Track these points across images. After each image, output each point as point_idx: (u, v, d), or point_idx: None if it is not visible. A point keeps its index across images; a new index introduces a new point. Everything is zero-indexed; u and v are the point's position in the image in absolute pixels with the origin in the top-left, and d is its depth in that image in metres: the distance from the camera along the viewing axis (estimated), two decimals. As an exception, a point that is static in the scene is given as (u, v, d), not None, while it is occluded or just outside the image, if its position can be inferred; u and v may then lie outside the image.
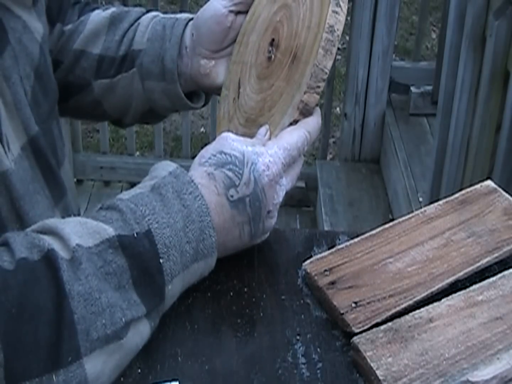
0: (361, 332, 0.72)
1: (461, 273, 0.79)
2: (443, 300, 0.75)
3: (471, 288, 0.77)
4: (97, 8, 1.08)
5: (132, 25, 1.04)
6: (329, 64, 0.82)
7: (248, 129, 0.90)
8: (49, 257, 0.67)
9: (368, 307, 0.75)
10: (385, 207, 2.89)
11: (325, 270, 0.80)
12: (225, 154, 0.79)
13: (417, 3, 4.35)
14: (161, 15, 1.05)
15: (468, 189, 0.90)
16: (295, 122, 0.84)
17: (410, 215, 0.86)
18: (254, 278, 0.82)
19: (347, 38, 3.05)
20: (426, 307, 0.75)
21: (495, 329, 0.72)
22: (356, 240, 0.84)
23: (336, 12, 0.82)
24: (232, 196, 0.78)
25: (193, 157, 0.82)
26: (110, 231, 0.71)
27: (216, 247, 0.77)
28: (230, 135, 0.82)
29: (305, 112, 0.84)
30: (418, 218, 0.86)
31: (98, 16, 1.06)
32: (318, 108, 0.86)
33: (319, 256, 0.82)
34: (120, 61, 1.03)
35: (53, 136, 0.92)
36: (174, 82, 1.00)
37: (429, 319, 0.73)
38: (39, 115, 0.88)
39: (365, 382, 0.70)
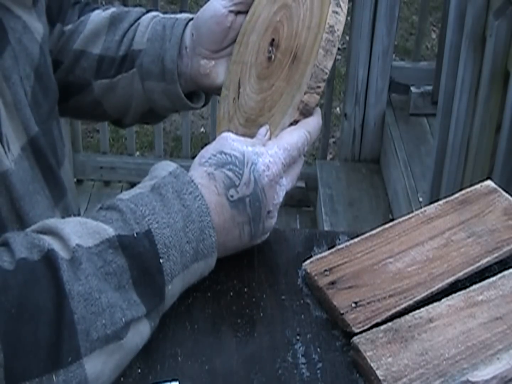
0: (361, 332, 0.72)
1: (461, 273, 0.79)
2: (443, 300, 0.75)
3: (471, 288, 0.77)
4: (97, 8, 1.08)
5: (132, 25, 1.04)
6: (330, 64, 0.82)
7: (248, 129, 0.90)
8: (49, 257, 0.67)
9: (368, 307, 0.75)
10: (385, 207, 2.89)
11: (325, 270, 0.80)
12: (225, 154, 0.79)
13: (417, 3, 4.35)
14: (161, 15, 1.05)
15: (468, 189, 0.90)
16: (295, 122, 0.84)
17: (410, 215, 0.86)
18: (254, 278, 0.82)
19: (347, 38, 3.05)
20: (426, 307, 0.75)
21: (495, 329, 0.72)
22: (356, 240, 0.84)
23: (336, 12, 0.82)
24: (232, 196, 0.78)
25: (193, 157, 0.82)
26: (110, 231, 0.71)
27: (216, 247, 0.77)
28: (230, 135, 0.82)
29: (306, 112, 0.84)
30: (418, 218, 0.86)
31: (98, 16, 1.06)
32: (318, 108, 0.86)
33: (319, 256, 0.82)
34: (120, 61, 1.03)
35: (53, 136, 0.92)
36: (174, 82, 1.00)
37: (429, 319, 0.73)
38: (39, 115, 0.88)
39: (365, 382, 0.70)
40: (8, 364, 0.62)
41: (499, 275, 0.79)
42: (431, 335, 0.71)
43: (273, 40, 0.90)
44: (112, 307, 0.68)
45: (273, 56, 0.90)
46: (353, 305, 0.76)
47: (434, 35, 4.24)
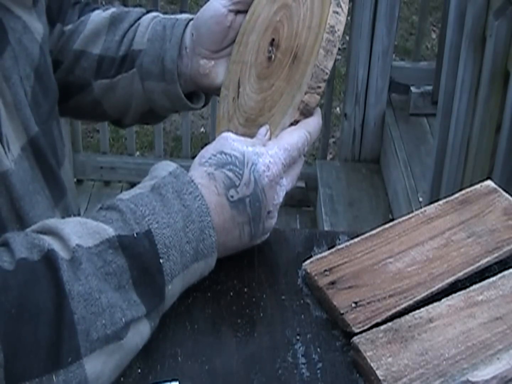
0: (361, 332, 0.72)
1: (461, 273, 0.79)
2: (443, 300, 0.75)
3: (471, 288, 0.77)
4: (97, 8, 1.08)
5: (132, 25, 1.04)
6: (330, 64, 0.82)
7: (248, 129, 0.90)
8: (49, 258, 0.67)
9: (368, 307, 0.75)
10: (385, 207, 2.89)
11: (325, 270, 0.80)
12: (226, 154, 0.79)
13: (417, 3, 4.35)
14: (161, 15, 1.05)
15: (468, 189, 0.90)
16: (295, 122, 0.84)
17: (410, 215, 0.86)
18: (254, 278, 0.82)
19: (347, 38, 3.05)
20: (426, 307, 0.75)
21: (495, 329, 0.72)
22: (356, 240, 0.84)
23: (337, 13, 0.82)
24: (232, 197, 0.78)
25: (193, 157, 0.82)
26: (110, 231, 0.71)
27: (216, 247, 0.77)
28: (231, 135, 0.82)
29: (306, 113, 0.84)
30: (418, 218, 0.86)
31: (98, 16, 1.06)
32: (318, 109, 0.86)
33: (319, 256, 0.82)
34: (120, 61, 1.03)
35: (53, 137, 0.92)
36: (174, 83, 1.00)
37: (429, 319, 0.73)
38: (39, 115, 0.88)
39: (365, 382, 0.70)
40: (8, 364, 0.62)
41: (499, 275, 0.79)
42: (431, 335, 0.71)
43: (273, 40, 0.90)
44: (112, 307, 0.68)
45: (273, 56, 0.90)
46: (353, 305, 0.76)
47: (434, 35, 4.24)
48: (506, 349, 0.70)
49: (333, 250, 0.83)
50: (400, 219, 0.86)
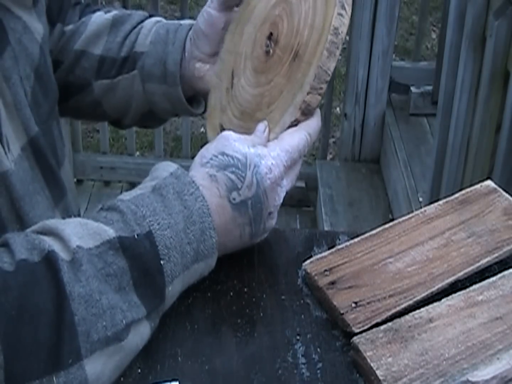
0: (361, 332, 0.73)
1: (461, 273, 0.79)
2: (443, 300, 0.76)
3: (471, 288, 0.77)
4: (98, 10, 1.08)
5: (134, 27, 1.04)
6: (333, 66, 0.82)
7: (244, 122, 0.89)
8: (49, 259, 0.67)
9: (368, 307, 0.75)
10: (385, 207, 2.89)
11: (325, 270, 0.80)
12: (227, 156, 0.79)
13: (417, 3, 4.35)
14: (164, 20, 1.05)
15: (468, 189, 0.90)
16: (295, 121, 0.84)
17: (410, 215, 0.86)
18: (254, 278, 0.82)
19: (347, 38, 3.05)
20: (426, 307, 0.75)
21: (495, 329, 0.72)
22: (356, 240, 0.84)
23: (341, 15, 0.82)
24: (234, 199, 0.77)
25: (193, 157, 0.82)
26: (110, 232, 0.71)
27: (216, 247, 0.77)
28: (232, 134, 0.82)
29: (307, 112, 0.84)
30: (418, 218, 0.86)
31: (100, 17, 1.06)
32: (318, 110, 0.86)
33: (319, 256, 0.82)
34: (121, 62, 1.03)
35: (53, 137, 0.92)
36: (176, 85, 1.00)
37: (429, 319, 0.73)
38: (39, 115, 0.88)
39: (365, 382, 0.70)
40: (8, 366, 0.62)
41: (499, 275, 0.79)
42: (431, 335, 0.71)
43: (271, 34, 0.90)
44: (113, 308, 0.68)
45: (271, 51, 0.89)
46: (353, 305, 0.76)
47: (434, 35, 4.24)
48: (506, 349, 0.70)
49: (333, 250, 0.83)
50: (400, 219, 0.86)
